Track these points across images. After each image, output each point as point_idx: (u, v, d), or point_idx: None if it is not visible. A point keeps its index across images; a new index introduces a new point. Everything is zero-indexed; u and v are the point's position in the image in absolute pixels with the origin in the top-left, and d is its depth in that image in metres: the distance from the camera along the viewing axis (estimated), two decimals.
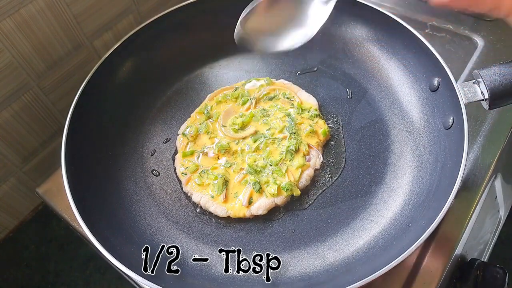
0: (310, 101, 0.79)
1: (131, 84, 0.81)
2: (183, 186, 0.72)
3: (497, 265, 0.68)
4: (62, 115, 0.86)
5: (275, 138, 0.74)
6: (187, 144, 0.75)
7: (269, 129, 0.75)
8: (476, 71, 0.63)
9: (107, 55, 0.76)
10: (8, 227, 0.88)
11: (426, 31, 0.91)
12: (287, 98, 0.80)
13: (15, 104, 0.77)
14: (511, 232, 1.17)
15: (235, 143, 0.74)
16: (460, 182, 0.58)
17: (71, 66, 0.84)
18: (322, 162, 0.73)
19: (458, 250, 0.66)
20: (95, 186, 0.68)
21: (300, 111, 0.77)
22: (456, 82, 0.65)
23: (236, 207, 0.67)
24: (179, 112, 0.81)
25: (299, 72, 0.85)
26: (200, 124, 0.77)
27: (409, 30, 0.74)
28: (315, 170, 0.72)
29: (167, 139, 0.78)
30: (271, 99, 0.80)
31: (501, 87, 0.61)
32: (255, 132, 0.75)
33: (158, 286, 0.54)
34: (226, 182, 0.70)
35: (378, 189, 0.69)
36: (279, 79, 0.83)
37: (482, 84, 0.62)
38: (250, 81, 0.83)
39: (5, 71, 0.73)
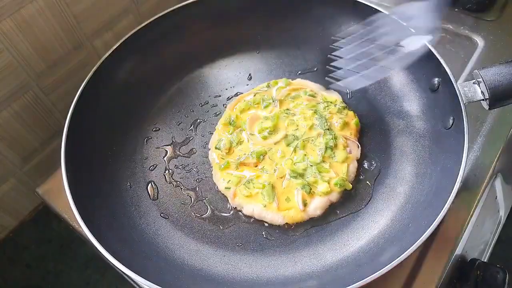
0: (333, 95, 0.79)
1: (131, 84, 0.81)
2: (230, 200, 0.69)
3: (497, 265, 0.68)
4: (62, 115, 0.86)
5: (310, 137, 0.73)
6: (222, 157, 0.73)
7: (297, 129, 0.74)
8: (476, 71, 0.63)
9: (107, 55, 0.76)
10: (8, 227, 0.88)
11: None
12: (310, 95, 0.78)
13: (15, 104, 0.77)
14: (511, 232, 1.17)
15: (268, 149, 0.73)
16: (460, 182, 0.58)
17: (71, 66, 0.84)
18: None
19: (458, 250, 0.66)
20: (95, 186, 0.68)
21: (327, 105, 0.76)
22: (456, 82, 0.65)
23: (292, 213, 0.66)
24: (180, 112, 0.81)
25: (299, 72, 0.85)
26: (230, 134, 0.75)
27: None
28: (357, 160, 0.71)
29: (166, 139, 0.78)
30: (293, 98, 0.78)
31: (501, 87, 0.61)
32: (286, 135, 0.73)
33: (158, 286, 0.54)
34: (273, 189, 0.68)
35: (378, 189, 0.69)
36: (282, 78, 0.83)
37: (482, 84, 0.62)
38: (268, 85, 0.81)
39: (5, 71, 0.73)
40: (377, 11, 0.78)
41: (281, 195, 0.68)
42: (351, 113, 0.76)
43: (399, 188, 0.68)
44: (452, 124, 0.66)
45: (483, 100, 0.63)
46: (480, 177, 0.71)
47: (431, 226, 0.55)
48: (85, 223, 0.58)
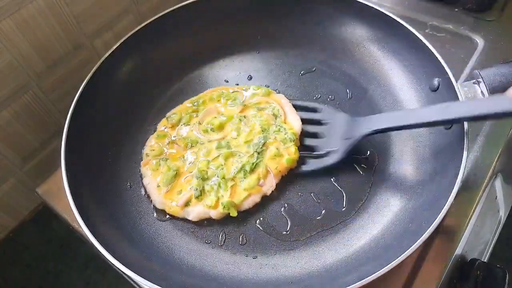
0: (294, 124, 0.74)
1: (131, 84, 0.81)
2: (140, 166, 0.73)
3: (497, 265, 0.68)
4: (62, 115, 0.86)
5: (238, 152, 0.71)
6: (165, 128, 0.77)
7: (236, 138, 0.73)
8: (476, 71, 0.63)
9: (107, 55, 0.76)
10: (8, 227, 0.88)
11: (426, 31, 0.91)
12: (273, 113, 0.76)
13: (15, 104, 0.77)
14: (511, 232, 1.17)
15: (201, 142, 0.74)
16: (460, 182, 0.58)
17: (71, 66, 0.84)
18: (273, 192, 0.69)
19: (458, 250, 0.66)
20: (95, 186, 0.68)
21: (278, 129, 0.73)
22: (456, 82, 0.65)
23: (172, 205, 0.67)
24: None
25: (301, 72, 0.85)
26: (185, 114, 0.77)
27: (409, 30, 0.74)
28: (263, 197, 0.68)
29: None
30: (259, 109, 0.77)
31: (501, 87, 0.61)
32: (222, 139, 0.74)
33: (158, 286, 0.54)
34: (175, 177, 0.70)
35: (378, 189, 0.69)
36: (280, 81, 0.83)
37: (482, 84, 0.62)
38: (249, 88, 0.81)
39: (5, 71, 0.73)
40: (377, 11, 0.78)
41: (176, 186, 0.69)
42: (292, 149, 0.71)
43: (399, 188, 0.68)
44: (452, 125, 0.66)
45: None
46: (480, 177, 0.71)
47: (431, 226, 0.55)
48: (85, 223, 0.58)
